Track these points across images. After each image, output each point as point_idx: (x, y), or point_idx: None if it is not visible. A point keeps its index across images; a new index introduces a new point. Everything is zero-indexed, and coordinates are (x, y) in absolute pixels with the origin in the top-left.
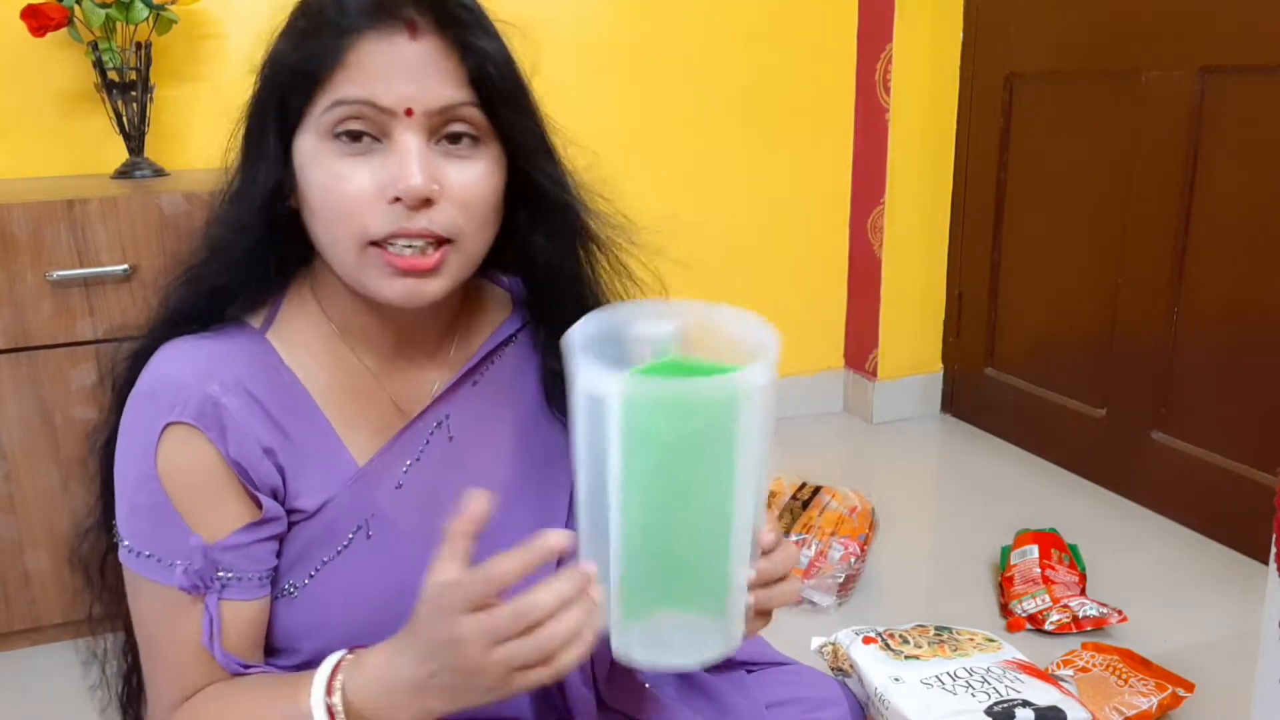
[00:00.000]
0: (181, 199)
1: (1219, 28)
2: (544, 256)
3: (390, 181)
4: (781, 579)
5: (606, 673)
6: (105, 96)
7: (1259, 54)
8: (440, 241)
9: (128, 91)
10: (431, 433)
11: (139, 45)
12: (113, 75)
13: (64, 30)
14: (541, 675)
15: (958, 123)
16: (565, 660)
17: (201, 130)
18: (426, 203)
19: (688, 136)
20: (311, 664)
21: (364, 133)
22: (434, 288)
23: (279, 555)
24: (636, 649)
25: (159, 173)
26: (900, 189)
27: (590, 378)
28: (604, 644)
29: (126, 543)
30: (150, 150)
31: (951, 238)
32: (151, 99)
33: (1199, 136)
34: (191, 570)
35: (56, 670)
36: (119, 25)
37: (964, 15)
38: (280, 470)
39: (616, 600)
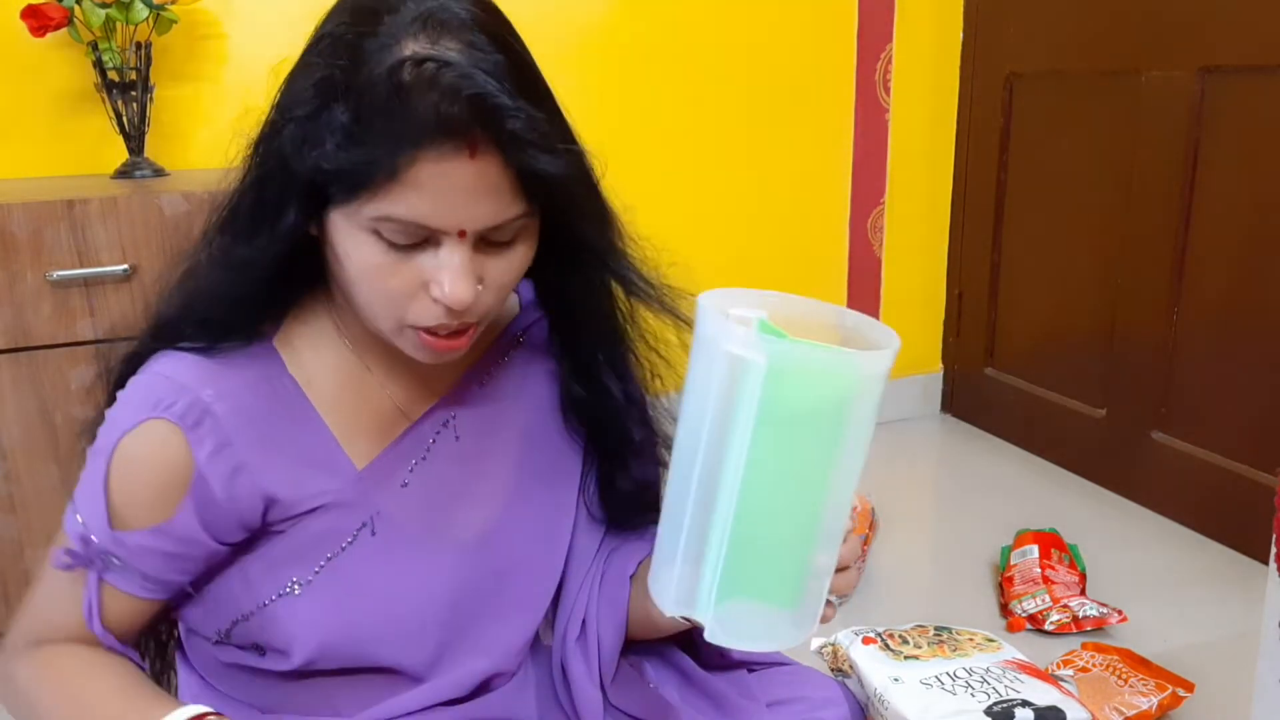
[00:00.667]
0: (181, 199)
1: (1219, 28)
2: (576, 296)
3: (436, 284)
4: (845, 568)
5: (613, 674)
6: (105, 96)
7: (1259, 54)
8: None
9: (128, 91)
10: (438, 432)
11: (139, 45)
12: (113, 75)
13: (64, 30)
14: None
15: (958, 123)
16: None
17: (201, 130)
18: (463, 312)
19: (687, 136)
20: (304, 670)
21: (414, 245)
22: (463, 351)
23: (202, 574)
24: (720, 631)
25: (159, 173)
26: (900, 189)
27: (740, 338)
28: (610, 646)
29: (68, 511)
30: (150, 150)
31: (951, 238)
32: (151, 99)
33: (1199, 136)
34: (77, 549)
35: None
36: (119, 25)
37: (964, 15)
38: (266, 485)
39: (711, 582)
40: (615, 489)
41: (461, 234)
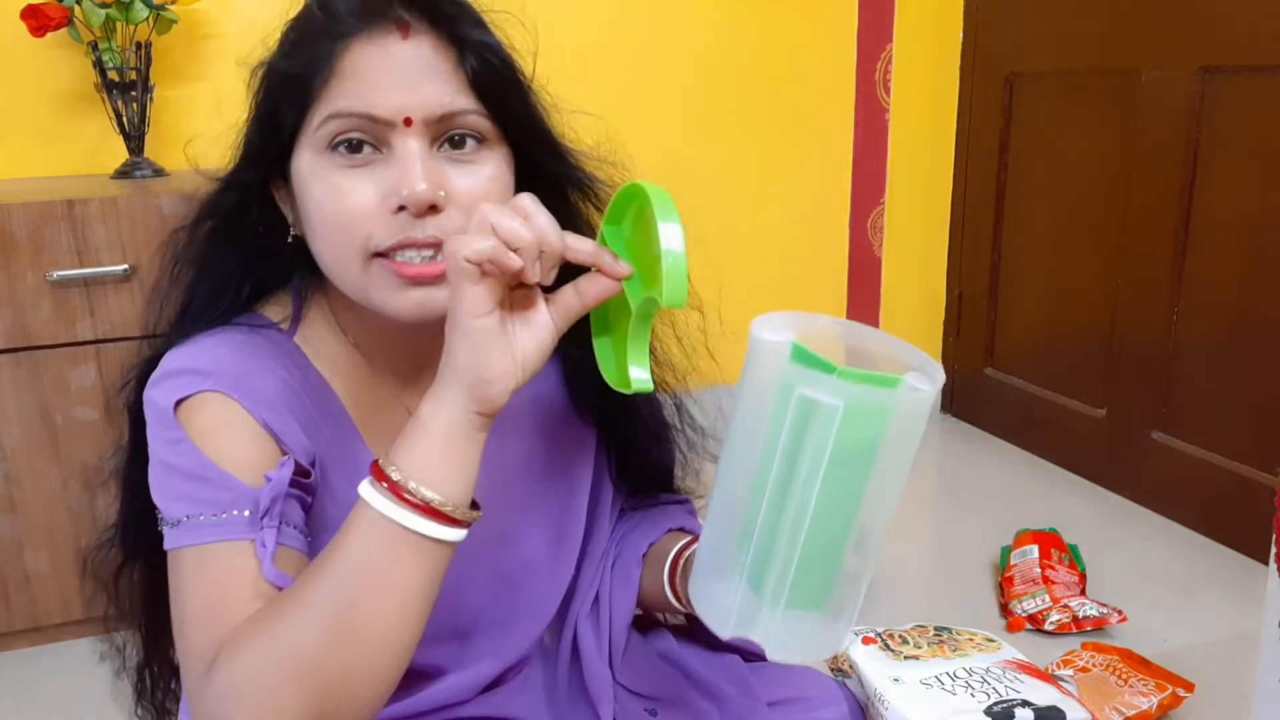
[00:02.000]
0: (181, 199)
1: (1219, 28)
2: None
3: (393, 190)
4: None
5: (623, 648)
6: (105, 96)
7: (1259, 54)
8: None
9: (128, 91)
10: None
11: (139, 45)
12: (113, 75)
13: (64, 30)
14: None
15: (958, 123)
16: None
17: (202, 130)
18: (432, 209)
19: (688, 136)
20: None
21: (363, 142)
22: (444, 296)
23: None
24: (780, 650)
25: (159, 173)
26: (900, 189)
27: (813, 381)
28: (621, 622)
29: (170, 520)
30: (150, 150)
31: (951, 238)
32: (151, 99)
33: (1199, 136)
34: (244, 513)
35: (56, 670)
36: (119, 25)
37: (964, 15)
38: (314, 455)
39: (773, 608)
40: (628, 475)
41: (408, 122)
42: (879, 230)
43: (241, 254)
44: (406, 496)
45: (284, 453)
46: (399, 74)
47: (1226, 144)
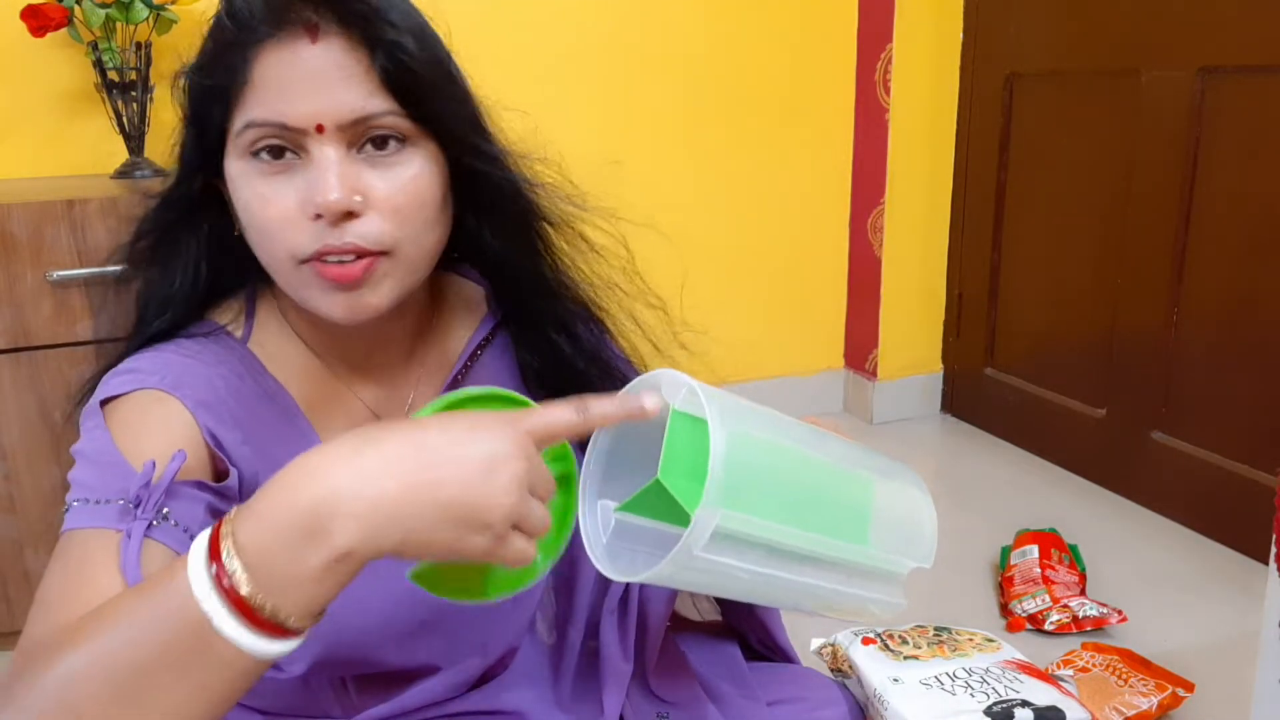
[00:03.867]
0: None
1: (1219, 28)
2: (497, 247)
3: (308, 198)
4: None
5: (656, 653)
6: (105, 96)
7: (1259, 54)
8: (368, 253)
9: (128, 91)
10: None
11: (139, 45)
12: (113, 75)
13: (64, 30)
14: (524, 549)
15: (958, 123)
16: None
17: None
18: (349, 215)
19: (688, 136)
20: (304, 677)
21: (283, 148)
22: (375, 299)
23: None
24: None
25: (159, 173)
26: (900, 189)
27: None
28: (653, 620)
29: (65, 507)
30: (150, 150)
31: (951, 238)
32: (151, 99)
33: (1199, 136)
34: (128, 503)
35: None
36: (119, 25)
37: (964, 15)
38: (256, 467)
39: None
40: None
41: (320, 128)
42: (879, 230)
43: (193, 258)
44: (231, 591)
45: (209, 454)
46: (309, 80)
47: (1226, 144)
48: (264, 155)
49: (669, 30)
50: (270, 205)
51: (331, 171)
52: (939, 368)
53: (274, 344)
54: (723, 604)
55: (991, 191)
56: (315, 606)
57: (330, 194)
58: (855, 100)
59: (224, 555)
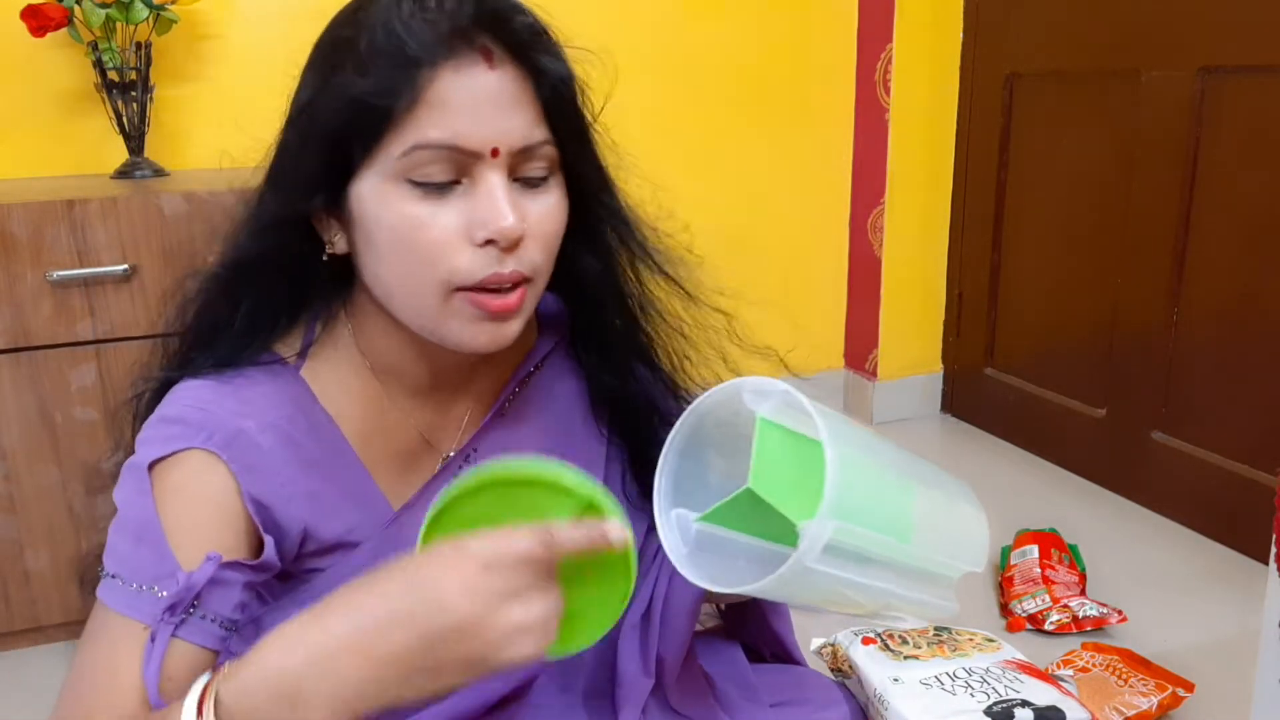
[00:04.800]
0: (181, 199)
1: (1219, 28)
2: (596, 270)
3: (480, 223)
4: None
5: (677, 668)
6: (105, 96)
7: (1259, 54)
8: (524, 281)
9: (128, 91)
10: (459, 468)
11: (139, 45)
12: (113, 75)
13: (64, 30)
14: (535, 643)
15: (958, 123)
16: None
17: (202, 130)
18: (516, 243)
19: (688, 136)
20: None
21: (451, 173)
22: (514, 328)
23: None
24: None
25: (159, 173)
26: (900, 189)
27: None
28: (680, 645)
29: (103, 569)
30: (150, 150)
31: (951, 238)
32: (151, 99)
33: (1199, 136)
34: (161, 595)
35: (56, 670)
36: (119, 25)
37: (964, 15)
38: (306, 516)
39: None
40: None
41: (495, 153)
42: (879, 230)
43: (281, 285)
44: None
45: (249, 527)
46: (487, 104)
47: (1226, 144)
48: (429, 179)
49: (669, 30)
50: (428, 229)
51: (505, 197)
52: (939, 368)
53: (331, 373)
54: (730, 618)
55: (991, 191)
56: None
57: (506, 219)
58: (855, 100)
59: (205, 715)
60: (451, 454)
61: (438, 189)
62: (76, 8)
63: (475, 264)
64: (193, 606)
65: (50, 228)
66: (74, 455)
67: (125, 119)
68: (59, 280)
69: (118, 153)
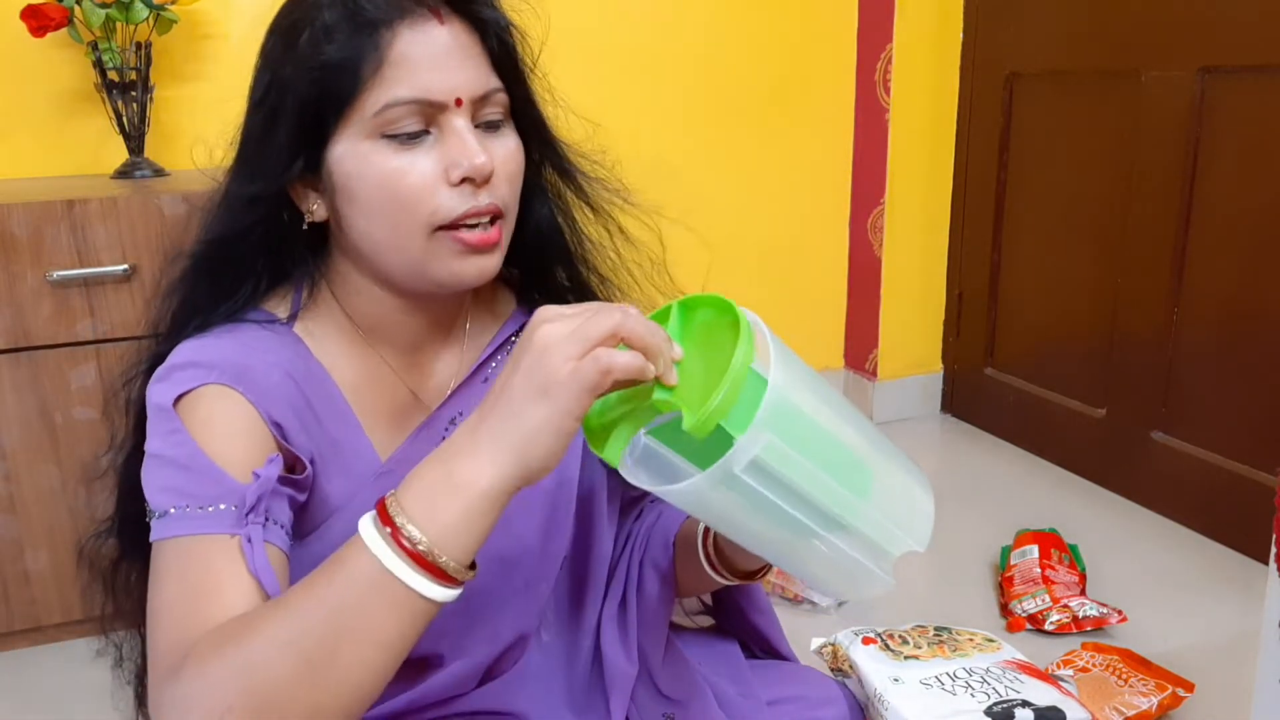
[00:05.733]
0: (181, 199)
1: (1219, 28)
2: (539, 223)
3: (454, 164)
4: None
5: (661, 653)
6: (105, 96)
7: (1259, 54)
8: (496, 216)
9: (128, 91)
10: (446, 429)
11: (139, 45)
12: (113, 75)
13: (64, 30)
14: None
15: (958, 123)
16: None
17: (201, 130)
18: (488, 179)
19: (688, 136)
20: None
21: (421, 125)
22: (495, 261)
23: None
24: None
25: (159, 173)
26: (900, 189)
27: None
28: (652, 620)
29: (158, 512)
30: (150, 150)
31: (951, 238)
32: (151, 99)
33: (1199, 136)
34: (231, 508)
35: (56, 670)
36: (119, 25)
37: (964, 15)
38: (311, 451)
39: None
40: None
41: (459, 102)
42: (879, 230)
43: (260, 258)
44: (407, 546)
45: (279, 447)
46: (444, 57)
47: (1226, 144)
48: (401, 133)
49: (668, 29)
50: (409, 175)
51: (473, 139)
52: (939, 367)
53: (321, 329)
54: (718, 612)
55: (991, 191)
56: (469, 553)
57: (479, 156)
58: (855, 100)
59: (397, 520)
60: (437, 410)
61: (411, 139)
62: (76, 8)
63: (454, 201)
64: (264, 510)
65: (50, 228)
66: (74, 455)
67: (125, 119)
68: (59, 280)
69: (118, 153)
